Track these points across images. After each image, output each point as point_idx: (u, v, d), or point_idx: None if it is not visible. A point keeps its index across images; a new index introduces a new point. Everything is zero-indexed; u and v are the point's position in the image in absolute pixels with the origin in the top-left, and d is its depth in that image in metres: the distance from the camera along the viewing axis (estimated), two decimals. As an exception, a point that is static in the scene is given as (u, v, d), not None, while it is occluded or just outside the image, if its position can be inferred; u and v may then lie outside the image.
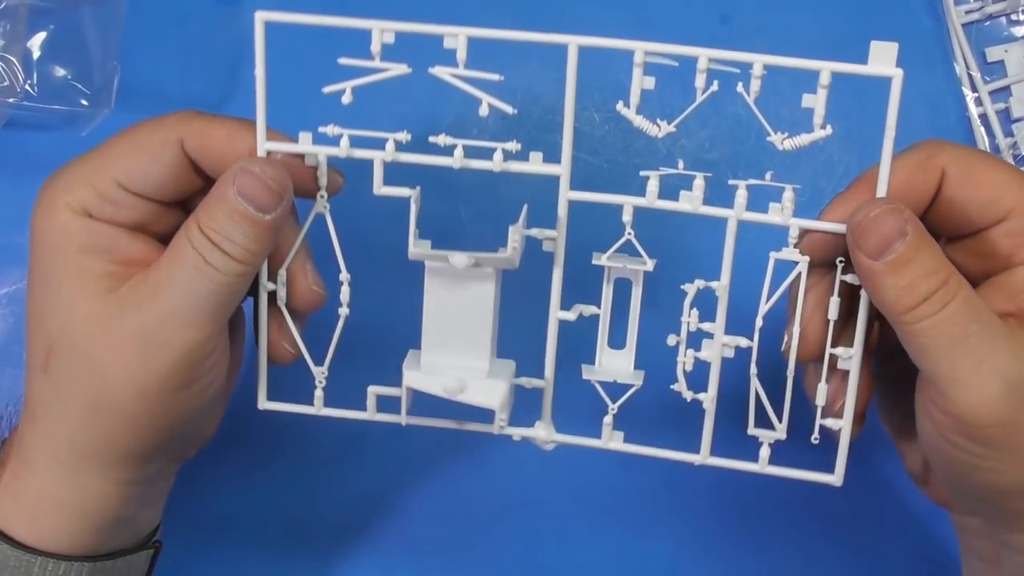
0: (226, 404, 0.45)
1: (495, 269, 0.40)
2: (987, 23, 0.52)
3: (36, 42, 0.51)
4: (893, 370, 0.40)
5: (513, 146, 0.38)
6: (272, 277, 0.40)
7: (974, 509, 0.39)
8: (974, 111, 0.51)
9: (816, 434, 0.39)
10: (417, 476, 0.52)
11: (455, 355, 0.40)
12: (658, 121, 0.38)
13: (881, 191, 0.37)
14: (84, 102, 0.51)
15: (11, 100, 0.50)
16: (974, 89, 0.52)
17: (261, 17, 0.37)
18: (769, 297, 0.39)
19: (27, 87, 0.50)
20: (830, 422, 0.39)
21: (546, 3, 0.51)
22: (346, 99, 0.38)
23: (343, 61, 0.37)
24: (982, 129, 0.51)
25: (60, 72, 0.51)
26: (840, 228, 0.37)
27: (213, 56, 0.53)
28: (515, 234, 0.38)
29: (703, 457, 0.40)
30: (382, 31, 0.37)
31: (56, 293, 0.38)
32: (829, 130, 0.37)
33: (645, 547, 0.52)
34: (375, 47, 0.37)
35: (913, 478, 0.42)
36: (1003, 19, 0.52)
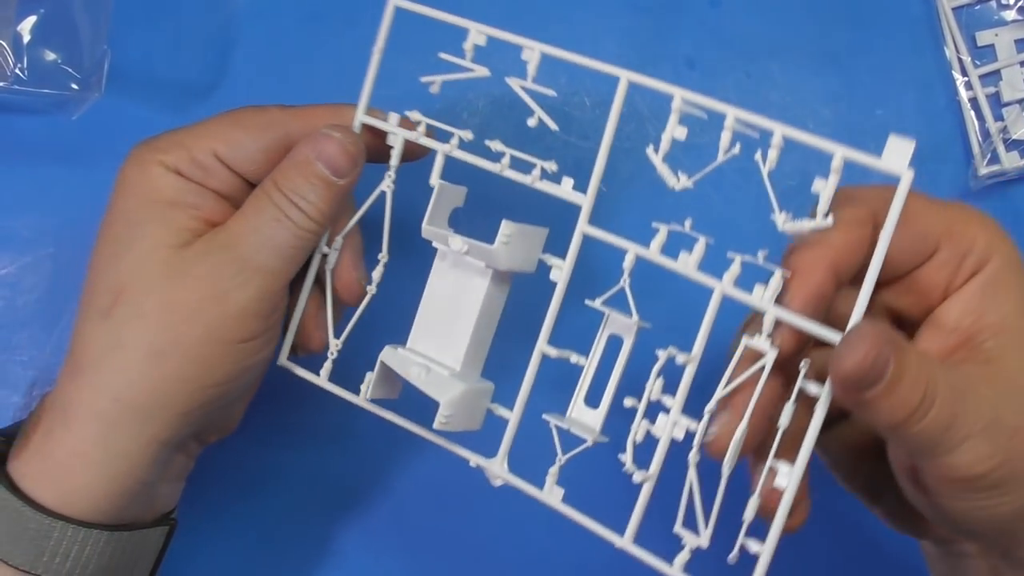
0: (246, 407, 0.45)
1: (491, 271, 0.40)
2: (977, 7, 0.52)
3: (26, 26, 0.51)
4: (842, 438, 0.40)
5: (550, 166, 0.40)
6: (329, 245, 0.43)
7: (978, 540, 0.38)
8: (964, 95, 0.52)
9: (736, 552, 0.35)
10: (411, 459, 0.52)
11: (434, 348, 0.42)
12: (678, 174, 0.37)
13: (859, 312, 0.34)
14: (74, 86, 0.51)
15: (1, 84, 0.50)
16: (964, 73, 0.52)
17: (393, 3, 0.41)
18: (728, 383, 0.36)
19: (17, 71, 0.50)
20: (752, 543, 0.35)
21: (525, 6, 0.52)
22: (434, 90, 0.41)
23: (443, 56, 0.40)
24: (972, 113, 0.51)
25: (50, 56, 0.51)
26: (826, 335, 0.34)
27: (203, 41, 0.53)
28: (507, 228, 0.39)
29: (626, 541, 0.38)
30: (478, 32, 0.40)
31: (136, 238, 0.40)
32: (831, 220, 0.34)
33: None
34: (468, 45, 0.40)
35: (892, 524, 0.41)
36: (993, 3, 0.52)
